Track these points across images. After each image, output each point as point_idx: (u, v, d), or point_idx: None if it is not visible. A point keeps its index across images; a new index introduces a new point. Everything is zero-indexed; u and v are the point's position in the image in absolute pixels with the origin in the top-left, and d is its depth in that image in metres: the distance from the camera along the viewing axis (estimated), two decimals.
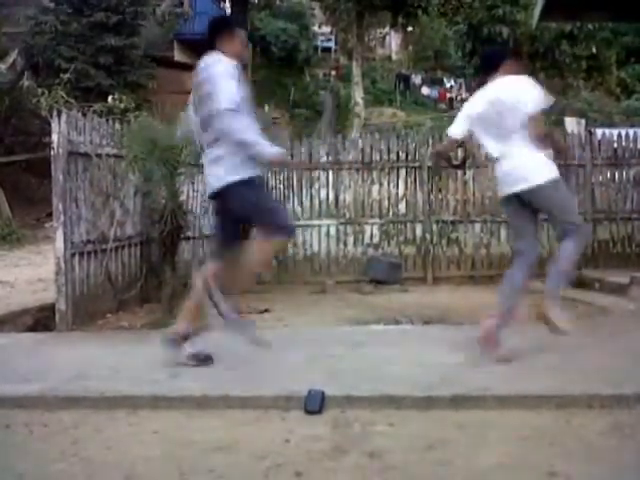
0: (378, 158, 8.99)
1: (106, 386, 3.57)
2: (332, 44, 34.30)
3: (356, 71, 20.73)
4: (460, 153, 9.22)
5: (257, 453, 2.80)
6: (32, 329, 5.60)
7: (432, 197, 8.95)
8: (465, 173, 9.00)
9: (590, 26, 15.30)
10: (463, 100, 31.26)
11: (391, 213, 9.00)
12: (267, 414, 3.25)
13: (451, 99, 31.70)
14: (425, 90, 33.00)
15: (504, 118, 4.02)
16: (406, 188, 8.99)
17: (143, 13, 17.27)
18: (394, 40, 37.36)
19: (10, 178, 13.78)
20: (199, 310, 4.00)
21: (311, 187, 8.75)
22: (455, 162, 9.21)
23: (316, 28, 31.74)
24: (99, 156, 5.91)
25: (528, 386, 3.46)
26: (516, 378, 3.61)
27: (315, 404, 3.25)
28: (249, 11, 25.01)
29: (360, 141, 9.31)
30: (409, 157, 8.94)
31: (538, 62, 16.05)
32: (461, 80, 30.48)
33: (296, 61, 26.78)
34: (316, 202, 8.71)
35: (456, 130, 4.32)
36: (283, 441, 2.92)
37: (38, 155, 12.68)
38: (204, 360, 3.95)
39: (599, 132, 10.21)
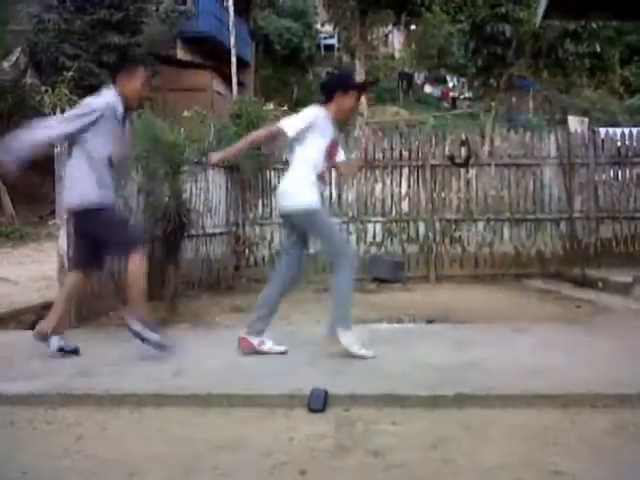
0: (381, 157, 8.99)
1: (110, 383, 3.58)
2: (335, 42, 34.29)
3: (359, 69, 20.70)
4: (463, 152, 9.28)
5: (261, 451, 2.80)
6: (36, 326, 5.59)
7: (435, 196, 8.95)
8: (468, 172, 9.00)
9: (594, 25, 15.25)
10: (466, 98, 31.31)
11: (394, 212, 9.00)
12: (271, 412, 3.25)
13: (454, 98, 31.69)
14: (428, 88, 33.03)
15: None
16: (409, 187, 8.99)
17: (146, 11, 17.25)
18: (397, 38, 37.33)
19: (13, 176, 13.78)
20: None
21: None
22: (458, 161, 9.28)
23: (319, 26, 31.71)
24: None
25: (532, 385, 3.46)
26: (520, 377, 3.61)
27: (319, 403, 3.26)
28: (252, 9, 25.04)
29: (363, 139, 9.31)
30: (412, 156, 8.95)
31: (541, 60, 16.02)
32: (464, 79, 30.42)
33: (299, 59, 26.78)
34: None
35: None
36: (287, 439, 2.93)
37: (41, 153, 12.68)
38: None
39: (602, 131, 10.20)
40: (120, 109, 4.25)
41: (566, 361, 3.94)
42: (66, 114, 4.41)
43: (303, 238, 4.39)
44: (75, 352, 4.25)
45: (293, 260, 4.38)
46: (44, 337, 4.22)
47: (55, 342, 4.21)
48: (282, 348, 4.26)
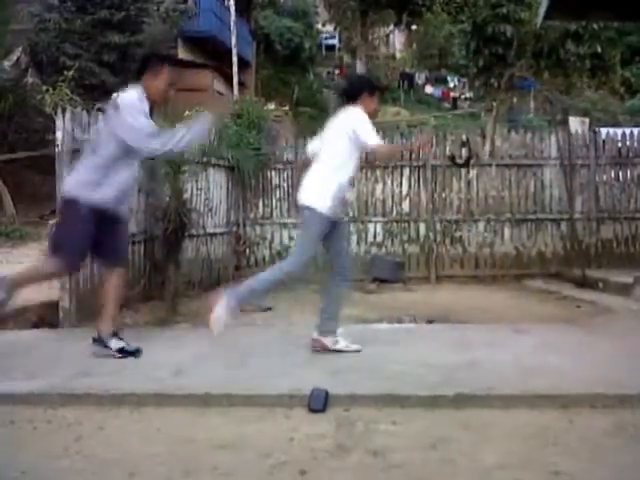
0: None
1: (110, 383, 3.58)
2: (336, 42, 34.30)
3: (360, 69, 20.71)
4: (464, 152, 9.27)
5: (261, 451, 2.80)
6: (36, 326, 5.59)
7: (436, 196, 8.96)
8: (469, 172, 9.01)
9: (595, 25, 15.22)
10: (466, 99, 31.32)
11: (395, 212, 9.01)
12: (271, 412, 3.25)
13: (455, 98, 31.67)
14: (429, 89, 33.01)
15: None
16: (410, 187, 9.00)
17: (147, 10, 17.25)
18: (398, 39, 37.35)
19: (13, 175, 13.77)
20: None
21: None
22: (459, 161, 9.28)
23: (320, 26, 31.70)
24: None
25: (532, 385, 3.46)
26: (520, 378, 3.61)
27: (319, 403, 3.26)
28: (253, 9, 25.04)
29: None
30: (413, 156, 8.94)
31: (542, 61, 16.00)
32: (465, 79, 30.41)
33: (300, 59, 26.72)
34: None
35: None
36: (287, 439, 2.92)
37: (42, 152, 12.68)
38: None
39: (603, 131, 10.20)
40: (147, 107, 4.18)
41: (566, 361, 3.94)
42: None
43: (329, 234, 4.31)
44: (135, 353, 4.18)
45: (333, 257, 4.45)
46: (103, 342, 4.19)
47: (115, 343, 4.18)
48: (357, 347, 4.26)
